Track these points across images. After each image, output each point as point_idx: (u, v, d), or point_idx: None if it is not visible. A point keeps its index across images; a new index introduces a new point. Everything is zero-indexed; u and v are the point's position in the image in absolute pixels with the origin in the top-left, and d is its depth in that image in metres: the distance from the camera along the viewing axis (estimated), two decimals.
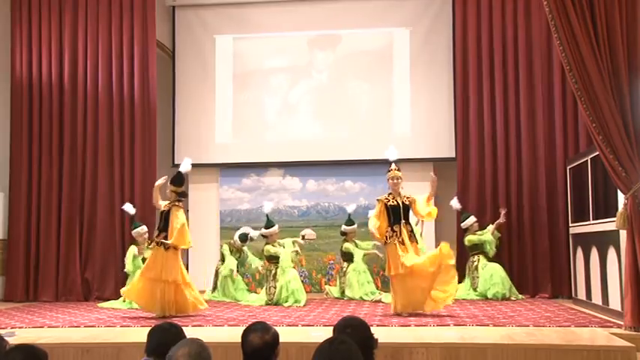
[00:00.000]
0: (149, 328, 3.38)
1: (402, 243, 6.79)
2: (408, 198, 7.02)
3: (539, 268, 9.10)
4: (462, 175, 9.64)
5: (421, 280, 6.68)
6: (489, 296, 8.55)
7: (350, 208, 9.46)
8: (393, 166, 7.10)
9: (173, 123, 10.64)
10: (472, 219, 9.10)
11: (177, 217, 7.00)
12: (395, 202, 6.95)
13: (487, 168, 9.54)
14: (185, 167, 7.21)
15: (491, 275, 8.69)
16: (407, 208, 6.97)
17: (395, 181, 7.02)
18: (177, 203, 7.09)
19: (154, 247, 7.03)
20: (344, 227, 9.26)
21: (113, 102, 9.72)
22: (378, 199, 7.11)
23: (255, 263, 9.03)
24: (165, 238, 6.94)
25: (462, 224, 9.20)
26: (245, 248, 9.27)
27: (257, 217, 10.18)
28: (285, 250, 8.47)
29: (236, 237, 9.26)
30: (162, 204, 7.15)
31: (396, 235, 6.84)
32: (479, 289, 8.75)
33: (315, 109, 10.43)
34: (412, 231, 6.99)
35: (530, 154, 9.32)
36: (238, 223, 10.10)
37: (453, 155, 9.87)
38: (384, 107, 10.32)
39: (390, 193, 7.06)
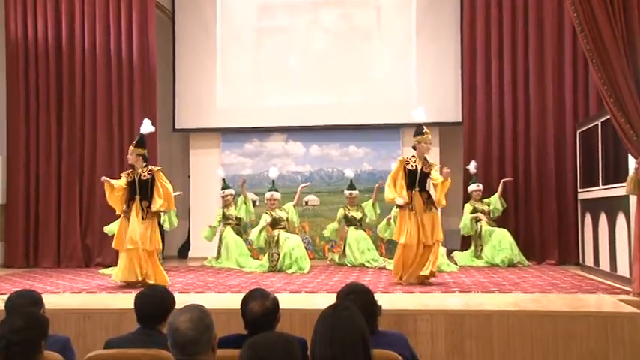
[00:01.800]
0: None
1: (413, 211, 6.65)
2: (430, 166, 6.80)
3: (547, 234, 9.09)
4: (469, 139, 9.59)
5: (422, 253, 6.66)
6: (497, 262, 8.57)
7: (348, 173, 9.45)
8: (425, 128, 6.85)
9: (173, 87, 10.57)
10: (473, 186, 9.07)
11: (167, 181, 6.98)
12: (413, 167, 6.76)
13: (494, 132, 9.47)
14: (146, 129, 7.07)
15: (500, 241, 8.70)
16: (425, 176, 6.75)
17: (427, 145, 6.77)
18: (155, 168, 7.04)
19: (135, 216, 6.81)
20: (347, 192, 9.29)
21: (111, 65, 9.64)
22: (399, 160, 6.93)
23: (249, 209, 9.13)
24: (149, 205, 6.86)
25: (468, 188, 9.23)
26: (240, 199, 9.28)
27: (259, 183, 10.17)
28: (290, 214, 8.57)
29: (220, 191, 9.41)
30: (127, 175, 6.96)
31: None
32: (485, 256, 8.76)
33: (319, 73, 10.32)
34: (429, 198, 6.74)
35: (538, 117, 9.23)
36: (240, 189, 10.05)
37: (460, 119, 9.81)
38: (389, 70, 10.22)
39: (413, 156, 6.88)
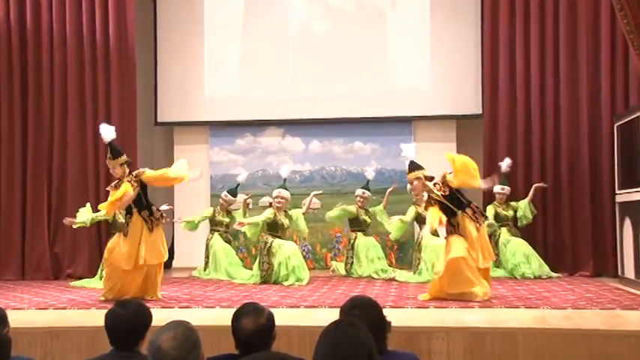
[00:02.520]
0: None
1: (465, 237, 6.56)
2: (436, 185, 6.70)
3: (580, 241, 9.06)
4: (490, 134, 9.56)
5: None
6: (517, 276, 8.54)
7: (369, 174, 9.37)
8: (413, 167, 6.90)
9: (155, 75, 10.57)
10: (497, 188, 9.03)
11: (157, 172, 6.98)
12: (433, 202, 6.69)
13: (519, 126, 9.44)
14: (107, 135, 6.84)
15: (514, 253, 8.66)
16: (451, 194, 6.63)
17: (418, 183, 6.81)
18: (141, 170, 6.95)
19: (136, 229, 6.82)
20: (359, 191, 9.23)
21: (84, 51, 9.59)
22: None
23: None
24: (152, 215, 6.86)
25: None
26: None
27: (253, 184, 10.15)
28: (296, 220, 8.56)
29: (225, 193, 9.36)
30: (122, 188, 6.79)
31: (456, 229, 6.61)
32: (503, 268, 8.74)
33: (321, 59, 10.32)
34: (474, 211, 6.63)
35: (570, 109, 9.20)
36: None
37: (479, 111, 9.78)
38: (400, 57, 10.22)
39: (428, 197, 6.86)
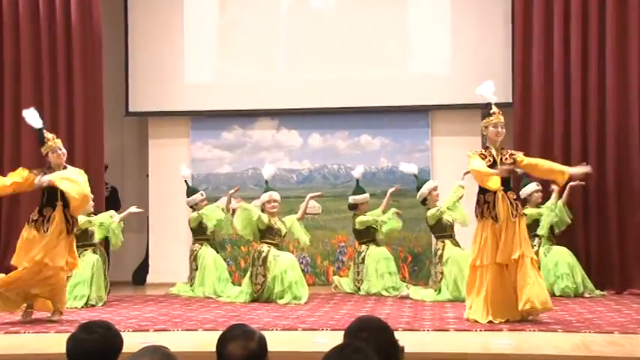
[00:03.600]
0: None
1: (496, 219, 6.60)
2: (512, 155, 6.80)
3: (629, 254, 9.05)
4: (521, 126, 9.54)
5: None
6: (557, 293, 8.52)
7: (357, 172, 9.43)
8: (494, 107, 6.86)
9: (126, 57, 10.58)
10: (532, 186, 9.03)
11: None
12: (491, 160, 6.71)
13: (556, 118, 9.43)
14: (37, 122, 7.14)
15: (556, 263, 8.64)
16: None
17: (498, 129, 6.77)
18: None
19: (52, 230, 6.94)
20: (352, 198, 9.27)
21: (40, 31, 9.59)
22: (469, 155, 6.84)
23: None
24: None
25: (520, 193, 9.13)
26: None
27: (242, 184, 10.13)
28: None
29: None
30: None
31: (489, 207, 6.66)
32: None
33: (322, 39, 10.33)
34: (517, 199, 6.76)
35: (617, 99, 9.19)
36: (217, 192, 10.06)
37: (509, 100, 9.77)
38: (415, 38, 10.24)
39: (486, 148, 6.86)
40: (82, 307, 8.03)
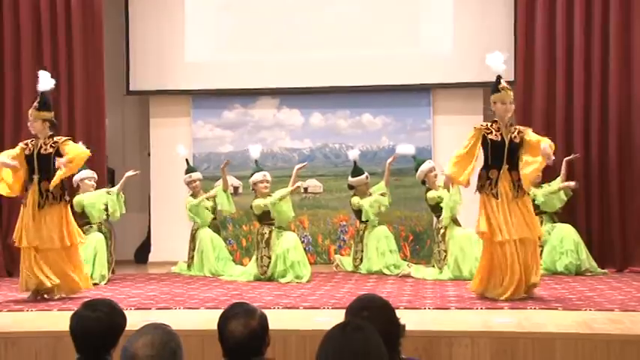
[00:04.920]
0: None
1: (496, 196, 6.60)
2: (520, 132, 6.73)
3: (630, 232, 9.06)
4: (524, 104, 9.50)
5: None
6: (559, 269, 8.54)
7: (353, 154, 9.38)
8: (503, 82, 6.81)
9: (127, 35, 10.53)
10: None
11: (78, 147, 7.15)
12: (498, 136, 6.70)
13: (559, 95, 9.40)
14: (44, 84, 7.14)
15: (562, 240, 8.64)
16: (515, 147, 6.69)
17: (507, 105, 6.71)
18: (62, 138, 7.10)
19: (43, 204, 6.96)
20: (350, 180, 9.26)
21: (40, 8, 9.55)
22: (475, 127, 6.85)
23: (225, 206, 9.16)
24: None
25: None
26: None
27: (243, 163, 10.14)
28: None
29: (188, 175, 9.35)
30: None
31: (491, 183, 6.66)
32: (543, 260, 8.73)
33: (324, 17, 10.29)
34: (520, 180, 6.67)
35: (621, 75, 9.15)
36: (218, 171, 10.05)
37: (511, 78, 9.69)
38: (417, 17, 10.19)
39: (494, 121, 6.81)
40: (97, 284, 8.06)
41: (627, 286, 7.48)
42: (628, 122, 9.15)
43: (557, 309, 6.06)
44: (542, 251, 8.76)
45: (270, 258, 8.30)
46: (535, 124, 9.34)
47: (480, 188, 6.73)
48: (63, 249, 6.97)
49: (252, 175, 8.67)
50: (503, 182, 6.62)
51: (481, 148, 6.74)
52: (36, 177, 6.93)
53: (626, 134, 9.16)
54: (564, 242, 8.64)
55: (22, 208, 7.09)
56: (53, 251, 6.92)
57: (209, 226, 9.22)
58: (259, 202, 8.44)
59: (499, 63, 6.87)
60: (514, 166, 6.67)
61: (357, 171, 9.23)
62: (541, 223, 8.82)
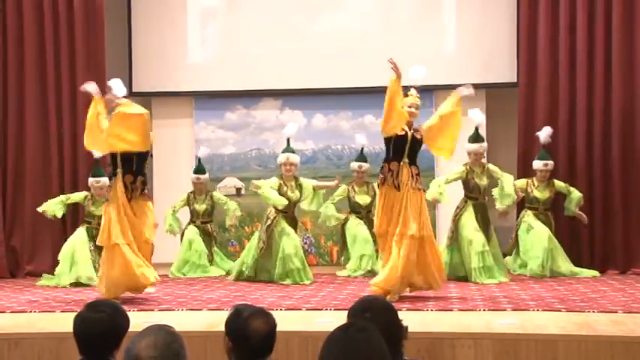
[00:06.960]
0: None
1: (397, 188, 6.78)
2: (419, 131, 7.04)
3: (633, 234, 9.07)
4: (526, 105, 9.54)
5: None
6: (528, 274, 8.54)
7: (361, 140, 9.51)
8: (413, 91, 7.15)
9: (129, 37, 10.50)
10: (536, 163, 8.99)
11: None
12: (403, 132, 6.94)
13: (562, 97, 9.41)
14: (118, 90, 7.25)
15: (533, 244, 8.63)
16: (416, 144, 6.99)
17: (413, 110, 7.06)
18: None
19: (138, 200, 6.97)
20: (355, 165, 9.37)
21: (43, 9, 9.57)
22: None
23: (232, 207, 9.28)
24: (133, 181, 6.92)
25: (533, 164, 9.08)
26: (216, 193, 9.49)
27: (246, 165, 10.16)
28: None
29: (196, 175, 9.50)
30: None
31: (392, 175, 6.82)
32: (521, 258, 8.79)
33: (326, 19, 10.27)
34: (418, 174, 6.94)
35: (624, 76, 9.16)
36: (221, 173, 10.08)
37: (514, 79, 9.76)
38: (419, 15, 10.17)
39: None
40: (89, 285, 8.09)
41: (630, 288, 7.51)
42: (631, 124, 9.16)
43: (560, 310, 6.06)
44: (517, 249, 8.82)
45: (265, 243, 8.34)
46: (538, 125, 9.39)
47: (383, 181, 6.91)
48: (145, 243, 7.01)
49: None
50: (403, 173, 6.84)
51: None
52: (120, 171, 6.92)
53: (629, 136, 9.17)
54: (534, 247, 8.62)
55: (104, 206, 7.07)
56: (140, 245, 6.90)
57: (199, 230, 9.25)
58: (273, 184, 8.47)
59: (420, 76, 7.22)
60: (413, 161, 6.95)
61: (363, 157, 9.37)
62: (522, 218, 8.86)
